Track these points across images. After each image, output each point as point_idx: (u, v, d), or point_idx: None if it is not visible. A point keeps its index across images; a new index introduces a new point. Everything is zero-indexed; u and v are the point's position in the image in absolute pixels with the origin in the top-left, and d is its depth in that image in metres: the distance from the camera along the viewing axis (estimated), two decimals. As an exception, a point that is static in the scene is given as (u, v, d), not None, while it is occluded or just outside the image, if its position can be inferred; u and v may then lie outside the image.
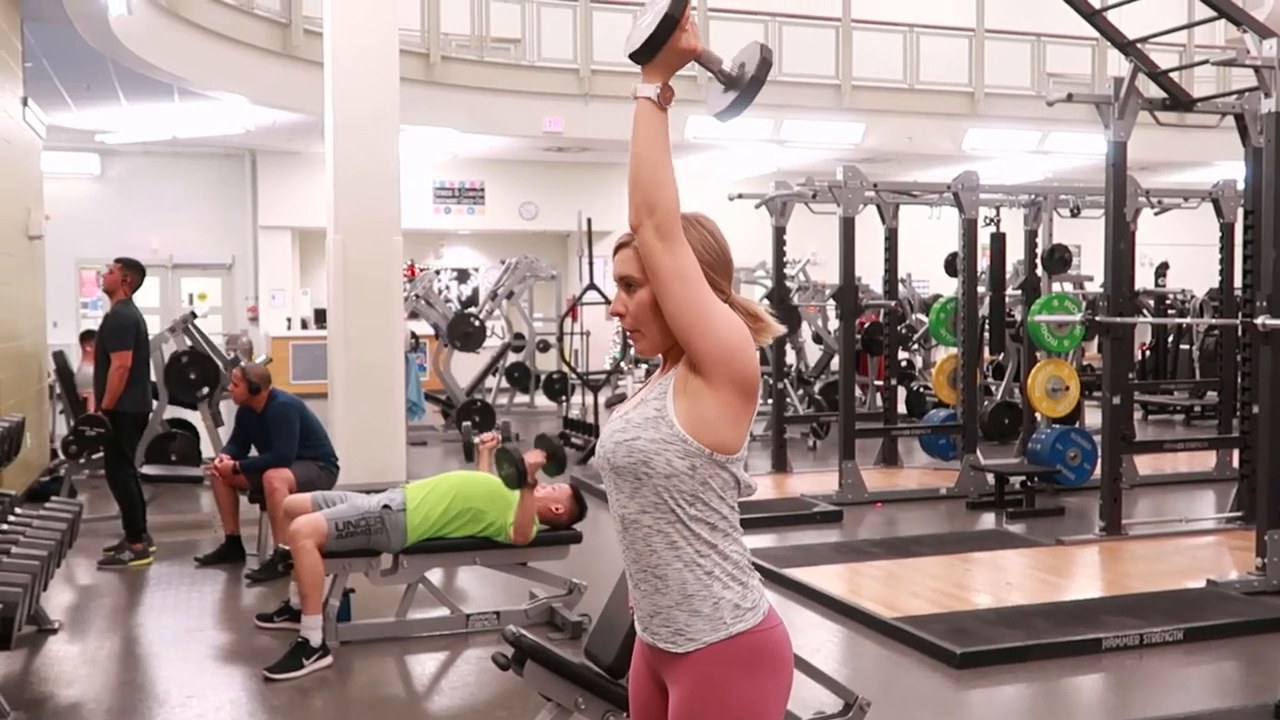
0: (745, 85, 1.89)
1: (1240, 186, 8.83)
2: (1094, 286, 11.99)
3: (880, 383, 13.34)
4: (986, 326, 9.49)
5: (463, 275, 18.28)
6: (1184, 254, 15.59)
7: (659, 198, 1.80)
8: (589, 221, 10.58)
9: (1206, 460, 9.13)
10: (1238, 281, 7.80)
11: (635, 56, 1.83)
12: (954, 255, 9.79)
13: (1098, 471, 8.38)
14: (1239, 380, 7.28)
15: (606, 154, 15.99)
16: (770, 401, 9.62)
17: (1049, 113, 16.47)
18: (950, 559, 6.20)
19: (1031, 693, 4.39)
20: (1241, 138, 6.74)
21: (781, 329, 1.99)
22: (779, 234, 9.06)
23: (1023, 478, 7.89)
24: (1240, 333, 7.04)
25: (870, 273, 14.38)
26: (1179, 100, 6.50)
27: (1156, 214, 9.37)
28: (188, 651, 4.90)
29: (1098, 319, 6.51)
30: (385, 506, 4.81)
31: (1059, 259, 8.95)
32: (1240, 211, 8.70)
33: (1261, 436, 5.64)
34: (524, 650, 3.32)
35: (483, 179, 16.85)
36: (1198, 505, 8.15)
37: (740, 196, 9.57)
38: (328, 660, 4.60)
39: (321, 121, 8.58)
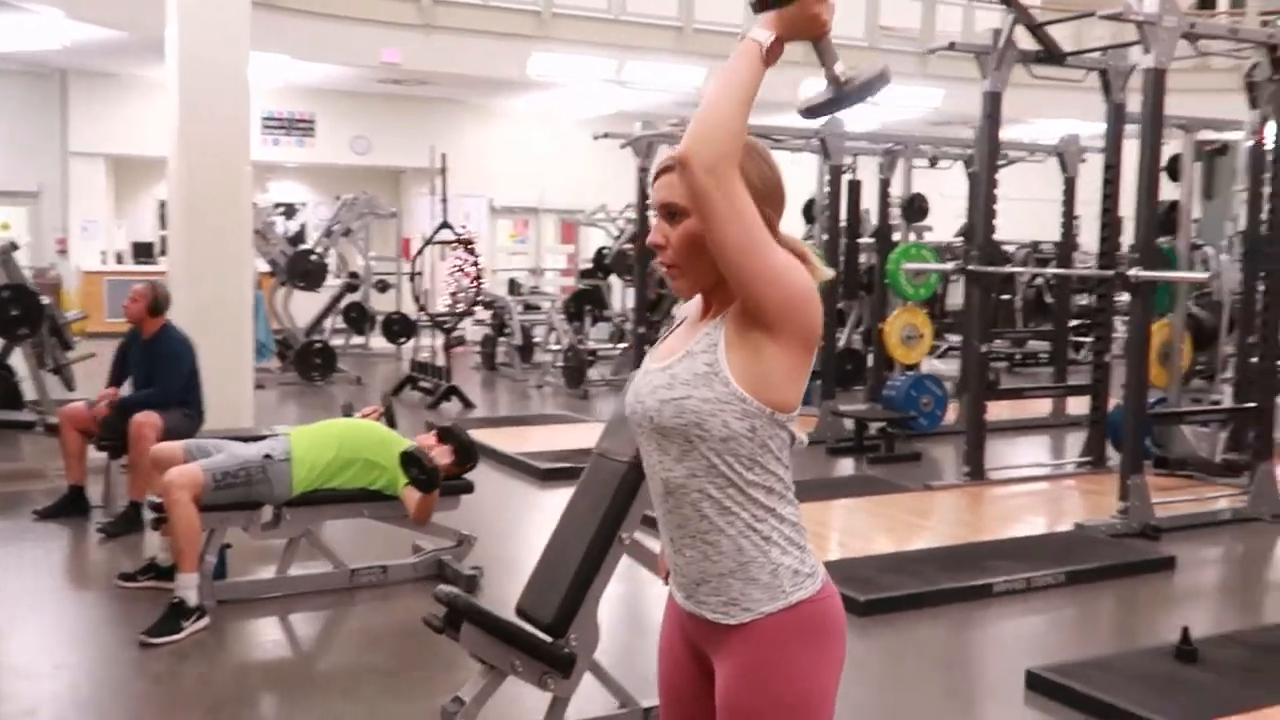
0: (850, 89, 1.72)
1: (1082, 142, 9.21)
2: (933, 237, 12.32)
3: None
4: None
5: (290, 210, 17.48)
6: (1002, 206, 16.18)
7: (721, 138, 1.60)
8: (444, 158, 10.19)
9: (1040, 407, 9.48)
10: (1080, 234, 8.12)
11: (762, 2, 1.66)
12: (811, 201, 9.88)
13: (948, 417, 8.68)
14: (1073, 328, 7.58)
15: (447, 88, 15.48)
16: (612, 347, 9.54)
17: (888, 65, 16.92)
18: (824, 504, 6.25)
19: (938, 638, 4.45)
20: (1105, 92, 6.94)
21: (830, 272, 1.86)
22: (643, 174, 8.90)
23: (882, 423, 8.04)
24: (1095, 284, 7.31)
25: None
26: (1052, 54, 6.64)
27: (1003, 166, 9.61)
28: (45, 615, 4.50)
29: (970, 268, 6.63)
30: (267, 456, 4.50)
31: (918, 208, 9.11)
32: (1079, 167, 9.10)
33: (1129, 384, 5.85)
34: (460, 611, 3.12)
35: (313, 110, 16.09)
36: (1038, 450, 8.48)
37: (606, 136, 9.37)
38: (205, 621, 4.28)
39: (145, 42, 7.97)
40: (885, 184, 9.50)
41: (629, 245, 11.10)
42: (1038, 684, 3.79)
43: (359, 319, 13.43)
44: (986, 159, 6.61)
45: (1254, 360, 6.50)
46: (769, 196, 1.75)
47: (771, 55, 1.65)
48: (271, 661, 4.11)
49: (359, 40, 13.38)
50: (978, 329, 6.68)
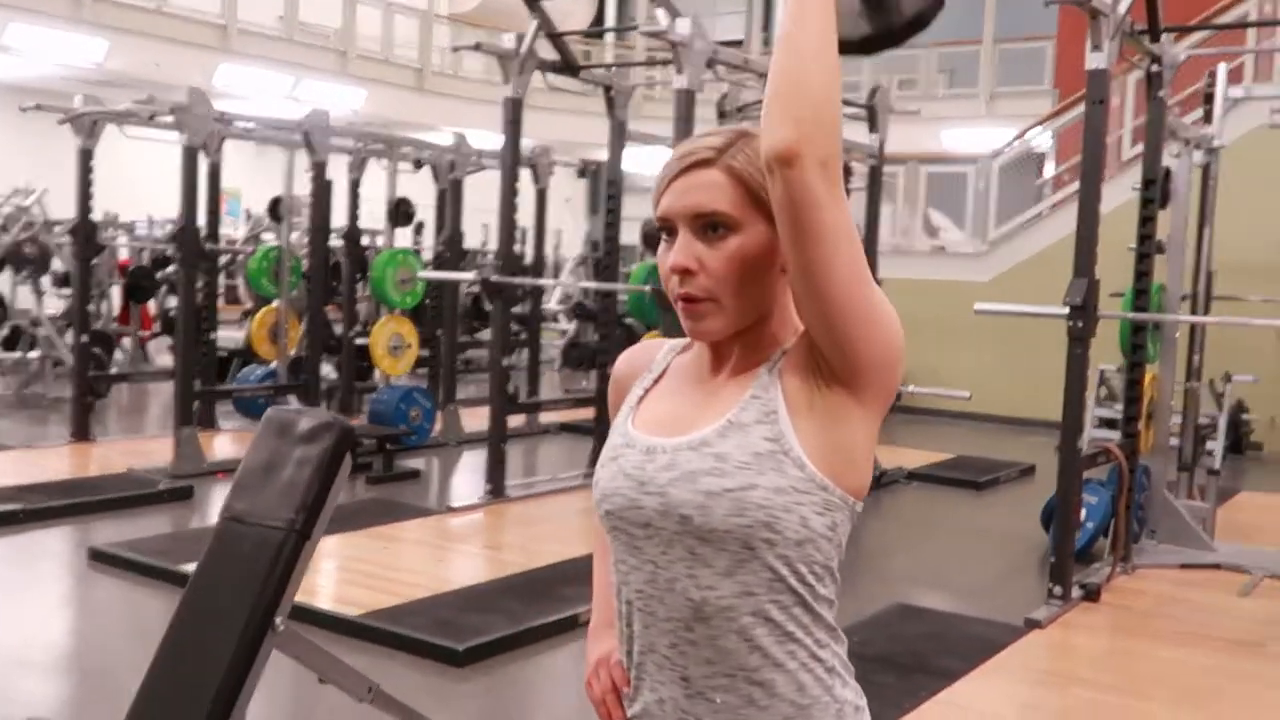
0: (899, 23, 1.31)
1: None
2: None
3: (146, 333, 12.08)
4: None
5: None
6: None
7: (832, 117, 1.15)
8: None
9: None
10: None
11: None
12: (278, 199, 9.05)
13: (435, 429, 8.36)
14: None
15: None
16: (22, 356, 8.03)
17: (301, 59, 16.23)
18: (356, 536, 5.64)
19: (551, 683, 4.12)
20: (608, 108, 7.01)
21: None
22: (85, 157, 7.55)
23: (376, 441, 7.50)
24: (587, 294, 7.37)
25: (124, 207, 12.94)
26: (569, 64, 6.57)
27: (471, 173, 9.46)
28: None
29: (492, 279, 6.34)
30: None
31: (404, 212, 8.67)
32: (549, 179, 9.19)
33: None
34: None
35: None
36: (529, 462, 8.43)
37: (38, 108, 7.82)
38: None
39: None
40: (356, 184, 8.95)
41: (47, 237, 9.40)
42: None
43: None
44: (509, 166, 6.37)
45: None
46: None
47: None
48: None
49: None
50: (498, 341, 6.43)
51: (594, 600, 1.60)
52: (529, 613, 4.49)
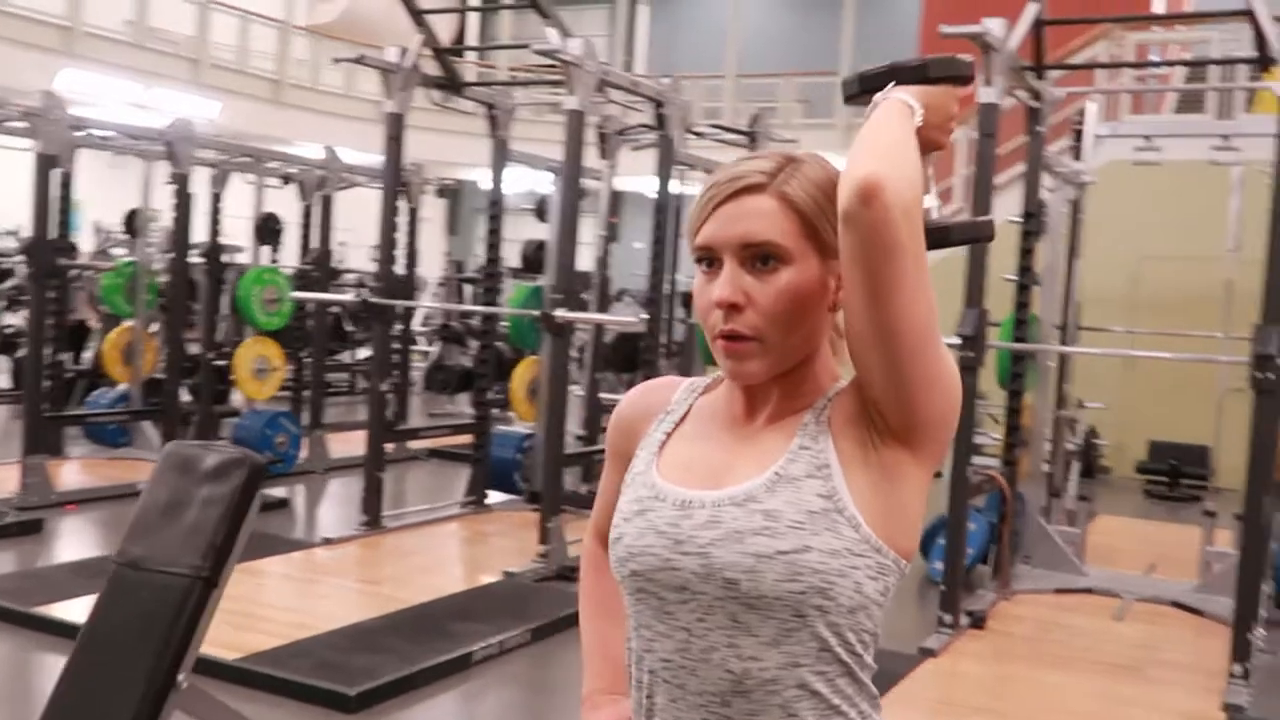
0: (950, 234, 1.21)
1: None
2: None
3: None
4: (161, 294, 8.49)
5: None
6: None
7: (913, 186, 1.07)
8: None
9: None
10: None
11: (911, 72, 1.16)
12: (134, 213, 8.60)
13: (301, 455, 8.04)
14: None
15: None
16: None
17: (152, 66, 15.63)
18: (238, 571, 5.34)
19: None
20: (490, 127, 6.86)
21: None
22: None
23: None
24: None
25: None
26: (453, 81, 6.40)
27: (343, 189, 9.17)
28: None
29: (372, 300, 6.11)
30: None
31: (271, 229, 8.33)
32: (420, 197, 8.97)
33: (548, 427, 5.77)
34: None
35: None
36: (400, 490, 8.17)
37: None
38: None
39: None
40: (218, 199, 8.55)
41: None
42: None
43: None
44: (390, 184, 6.16)
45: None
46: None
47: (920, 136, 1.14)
48: None
49: None
50: (378, 365, 6.21)
51: (587, 663, 1.47)
52: (420, 652, 4.29)
